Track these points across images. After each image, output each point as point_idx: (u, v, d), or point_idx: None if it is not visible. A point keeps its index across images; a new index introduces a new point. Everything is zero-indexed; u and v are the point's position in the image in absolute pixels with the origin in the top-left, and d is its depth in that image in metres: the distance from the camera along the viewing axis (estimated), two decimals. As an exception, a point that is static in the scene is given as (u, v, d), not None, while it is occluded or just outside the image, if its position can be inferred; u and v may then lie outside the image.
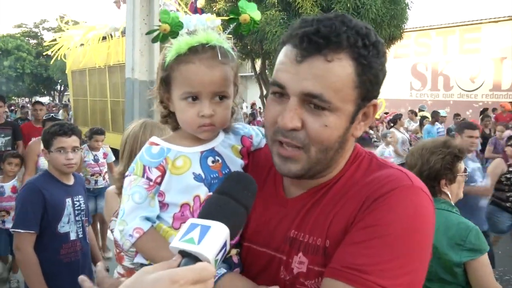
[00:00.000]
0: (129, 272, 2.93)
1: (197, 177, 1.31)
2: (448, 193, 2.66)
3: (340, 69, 1.10)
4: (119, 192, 2.86)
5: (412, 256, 1.07)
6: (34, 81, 43.70)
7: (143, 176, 1.30)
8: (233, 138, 1.45)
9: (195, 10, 15.44)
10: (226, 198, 1.02)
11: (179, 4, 14.28)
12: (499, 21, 24.93)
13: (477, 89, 25.88)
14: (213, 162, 1.36)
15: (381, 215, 1.08)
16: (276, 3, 15.91)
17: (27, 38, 47.99)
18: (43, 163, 5.46)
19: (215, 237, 0.92)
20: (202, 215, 0.97)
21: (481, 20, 25.70)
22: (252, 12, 1.49)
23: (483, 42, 25.48)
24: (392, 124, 11.23)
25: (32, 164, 5.79)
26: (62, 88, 49.87)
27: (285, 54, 1.17)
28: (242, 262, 1.36)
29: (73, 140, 3.33)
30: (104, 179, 6.92)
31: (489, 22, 25.26)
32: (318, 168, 1.21)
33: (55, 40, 16.67)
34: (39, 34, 50.66)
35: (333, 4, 16.56)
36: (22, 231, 3.11)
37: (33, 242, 3.14)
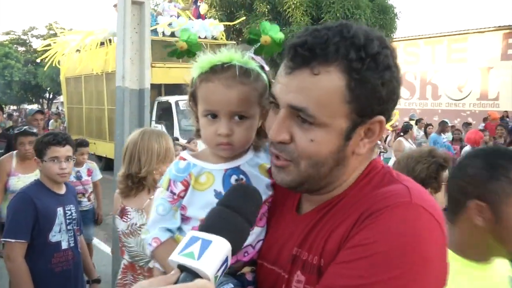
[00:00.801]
0: (130, 264, 2.99)
1: (217, 195, 1.32)
2: (434, 201, 2.71)
3: (327, 83, 1.04)
4: (121, 193, 2.97)
5: (403, 280, 0.95)
6: (23, 89, 43.36)
7: (167, 190, 1.35)
8: (264, 156, 1.41)
9: (198, 16, 15.29)
10: (230, 212, 0.99)
11: (181, 10, 14.28)
12: (485, 31, 25.28)
13: (464, 98, 26.14)
14: (236, 180, 1.35)
15: (371, 233, 1.00)
16: (267, 12, 16.07)
17: (15, 46, 47.68)
18: (14, 184, 4.90)
19: (216, 252, 0.88)
20: (204, 228, 0.94)
21: (468, 30, 26.05)
22: (274, 34, 1.47)
23: (470, 52, 25.79)
24: (402, 134, 11.12)
25: (1, 185, 4.97)
26: (51, 96, 49.55)
27: (281, 66, 1.14)
28: (257, 279, 1.35)
29: (67, 150, 3.35)
30: (89, 200, 6.17)
31: (476, 32, 25.60)
32: (313, 183, 1.16)
33: (49, 45, 16.25)
34: (27, 41, 50.30)
35: (323, 14, 16.73)
36: (13, 240, 3.11)
37: (24, 251, 3.14)
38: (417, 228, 0.99)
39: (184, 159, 1.38)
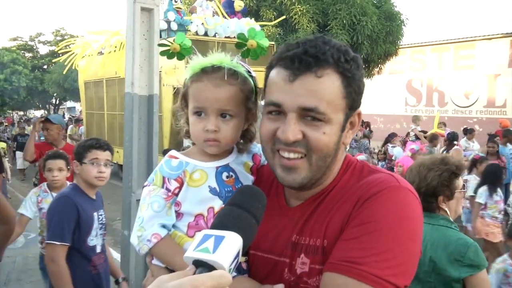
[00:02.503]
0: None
1: (212, 190, 1.42)
2: (446, 209, 2.68)
3: (329, 83, 1.23)
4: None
5: (403, 248, 1.15)
6: (29, 94, 43.56)
7: (162, 187, 1.41)
8: (245, 156, 1.55)
9: (234, 13, 13.75)
10: (240, 210, 1.05)
11: (218, 7, 12.97)
12: (493, 38, 25.22)
13: (471, 105, 26.06)
14: (227, 177, 1.46)
15: (372, 213, 1.19)
16: (273, 19, 16.02)
17: (22, 52, 47.97)
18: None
19: (229, 246, 0.93)
20: (215, 226, 0.99)
21: (475, 37, 25.99)
22: (260, 39, 1.56)
23: (477, 58, 25.73)
24: (455, 142, 10.87)
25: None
26: (57, 102, 49.77)
27: (275, 76, 1.28)
28: (249, 268, 1.45)
29: (107, 155, 3.42)
30: None
31: (483, 39, 25.54)
32: (318, 176, 1.31)
33: (68, 45, 14.67)
34: (34, 47, 50.67)
35: (329, 21, 16.73)
36: (57, 243, 3.15)
37: (65, 254, 3.19)
38: (409, 206, 1.21)
39: (176, 157, 1.44)
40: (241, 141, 1.53)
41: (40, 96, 45.94)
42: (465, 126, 16.89)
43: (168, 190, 1.40)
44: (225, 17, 12.95)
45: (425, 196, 2.65)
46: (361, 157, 8.93)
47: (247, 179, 1.50)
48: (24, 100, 43.77)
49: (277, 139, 1.28)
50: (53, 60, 29.87)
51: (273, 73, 1.30)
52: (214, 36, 12.36)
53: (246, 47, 1.44)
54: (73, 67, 14.64)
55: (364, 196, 1.23)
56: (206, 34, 12.38)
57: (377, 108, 28.46)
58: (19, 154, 16.63)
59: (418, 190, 2.66)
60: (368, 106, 25.93)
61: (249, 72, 1.45)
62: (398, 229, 1.16)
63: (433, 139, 11.15)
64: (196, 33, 12.24)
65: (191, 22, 12.39)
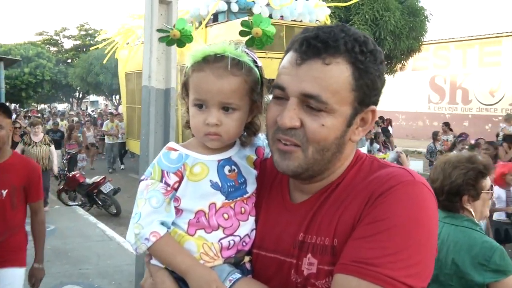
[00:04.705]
0: None
1: (214, 185, 1.33)
2: (471, 210, 2.56)
3: (338, 72, 1.16)
4: None
5: (419, 247, 1.09)
6: (54, 88, 44.29)
7: (161, 181, 1.30)
8: (248, 149, 1.47)
9: None
10: None
11: None
12: (520, 34, 24.66)
13: (496, 103, 25.56)
14: (229, 171, 1.38)
15: (385, 210, 1.12)
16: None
17: (47, 46, 48.78)
18: None
19: None
20: None
21: (502, 33, 25.45)
22: (265, 27, 1.45)
23: (504, 55, 25.20)
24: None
25: None
26: (80, 95, 50.48)
27: (286, 59, 1.23)
28: (253, 268, 1.38)
29: None
30: None
31: (510, 35, 24.99)
32: (316, 169, 1.24)
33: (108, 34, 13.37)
34: (59, 41, 51.51)
35: (352, 16, 16.55)
36: None
37: None
38: (425, 202, 1.14)
39: (175, 150, 1.35)
40: (245, 134, 1.44)
41: (64, 90, 46.71)
42: (489, 125, 16.54)
43: (167, 184, 1.30)
44: None
45: (449, 195, 2.54)
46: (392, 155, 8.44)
47: (250, 173, 1.42)
48: (48, 93, 44.56)
49: (277, 128, 1.23)
50: (81, 53, 29.66)
51: (286, 57, 1.24)
52: (281, 18, 11.12)
53: (251, 35, 1.34)
54: (115, 57, 13.87)
55: (377, 192, 1.16)
56: (270, 17, 10.65)
57: (399, 105, 28.14)
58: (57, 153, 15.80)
59: (441, 189, 2.60)
60: (390, 103, 25.64)
61: (255, 61, 1.35)
62: (413, 227, 1.10)
63: None
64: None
65: (254, 3, 11.15)
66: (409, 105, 28.59)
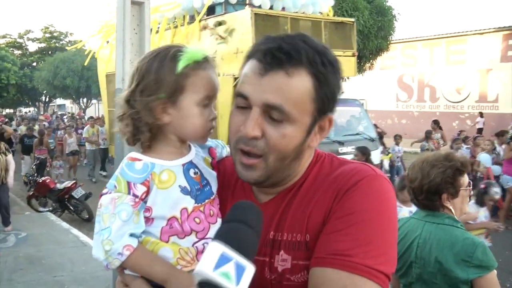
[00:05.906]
0: None
1: (183, 190, 1.32)
2: (451, 208, 2.59)
3: (300, 84, 1.19)
4: None
5: (385, 237, 1.18)
6: (19, 92, 43.16)
7: (128, 193, 1.26)
8: (201, 151, 1.48)
9: None
10: (255, 237, 1.01)
11: None
12: (485, 33, 25.32)
13: (463, 100, 26.17)
14: (194, 173, 1.38)
15: (353, 204, 1.19)
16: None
17: (11, 49, 47.50)
18: None
19: (248, 280, 0.89)
20: (234, 245, 0.92)
21: (467, 32, 26.07)
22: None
23: (469, 53, 25.84)
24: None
25: None
26: (47, 99, 49.37)
27: (249, 67, 1.25)
28: None
29: None
30: None
31: (475, 34, 25.62)
32: (277, 176, 1.29)
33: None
34: (23, 44, 50.26)
35: (321, 16, 16.63)
36: None
37: None
38: (386, 193, 1.23)
39: (139, 159, 1.31)
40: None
41: (29, 94, 45.54)
42: (456, 122, 16.92)
43: (135, 196, 1.26)
44: None
45: (428, 194, 2.56)
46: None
47: (211, 175, 1.43)
48: (14, 97, 43.38)
49: (240, 137, 1.24)
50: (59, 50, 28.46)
51: (248, 64, 1.26)
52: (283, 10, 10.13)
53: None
54: (95, 56, 13.27)
55: (344, 188, 1.22)
56: (271, 8, 10.01)
57: (369, 104, 28.51)
58: (26, 159, 15.44)
59: (420, 188, 2.62)
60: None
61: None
62: (380, 219, 1.18)
63: None
64: (260, 8, 9.72)
65: None
66: (378, 104, 28.98)
